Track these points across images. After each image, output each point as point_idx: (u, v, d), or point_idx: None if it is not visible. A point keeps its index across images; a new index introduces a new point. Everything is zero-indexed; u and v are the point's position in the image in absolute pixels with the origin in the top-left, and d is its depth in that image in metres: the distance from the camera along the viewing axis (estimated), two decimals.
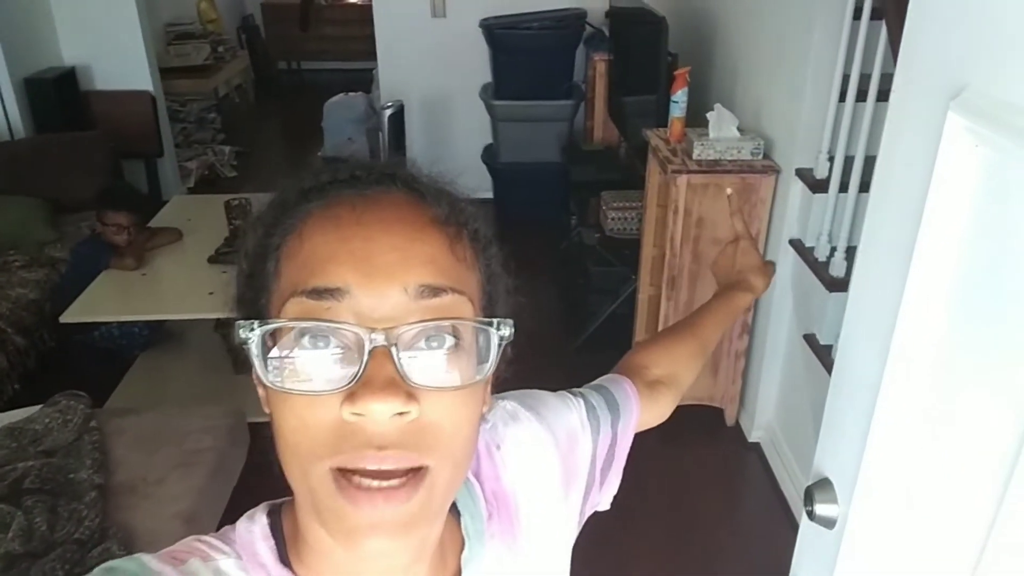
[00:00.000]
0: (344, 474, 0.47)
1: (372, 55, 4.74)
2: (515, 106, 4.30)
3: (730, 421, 2.89)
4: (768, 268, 1.09)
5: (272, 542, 0.56)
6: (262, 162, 5.89)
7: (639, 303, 3.13)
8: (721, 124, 2.56)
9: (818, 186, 2.31)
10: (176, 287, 2.91)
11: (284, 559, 0.56)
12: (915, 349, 0.79)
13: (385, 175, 0.53)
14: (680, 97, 2.70)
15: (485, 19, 4.31)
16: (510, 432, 0.68)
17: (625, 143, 4.07)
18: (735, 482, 2.75)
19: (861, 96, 2.16)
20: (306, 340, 0.48)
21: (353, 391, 0.46)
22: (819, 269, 2.28)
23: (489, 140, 4.67)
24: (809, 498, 0.97)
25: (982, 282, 0.71)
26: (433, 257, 0.50)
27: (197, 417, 2.35)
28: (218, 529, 0.58)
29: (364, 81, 5.75)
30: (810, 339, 2.34)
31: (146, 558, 0.53)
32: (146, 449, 2.19)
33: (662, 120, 2.90)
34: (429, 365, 0.48)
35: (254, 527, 0.57)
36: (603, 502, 0.80)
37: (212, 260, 2.97)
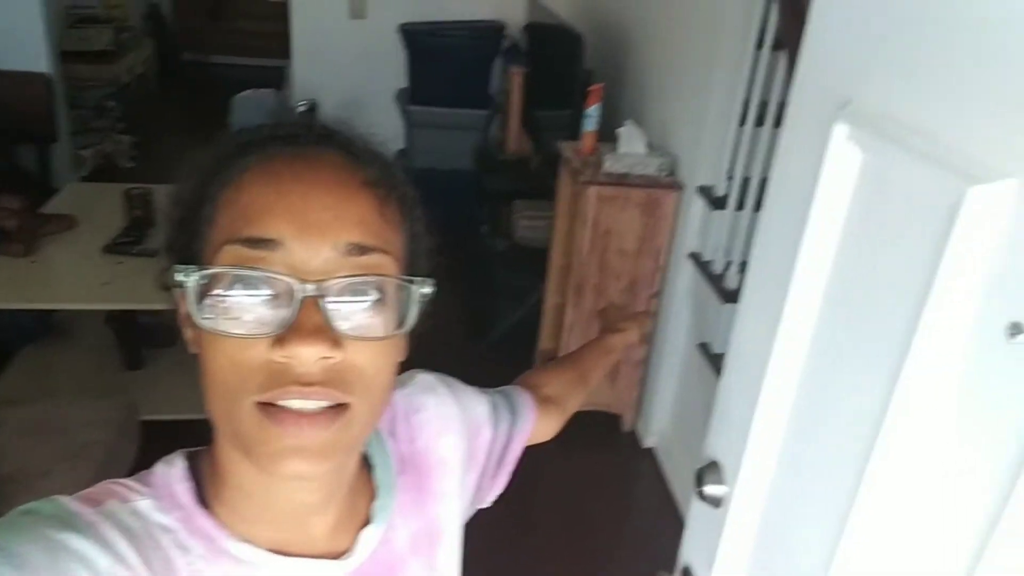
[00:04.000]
0: (270, 406, 0.50)
1: (285, 52, 4.68)
2: (431, 112, 4.33)
3: (627, 427, 2.99)
4: (642, 319, 1.27)
5: (190, 484, 0.58)
6: (162, 155, 5.67)
7: (545, 311, 3.20)
8: (631, 140, 2.66)
9: (718, 203, 2.43)
10: (68, 276, 2.78)
11: (202, 501, 0.57)
12: (794, 342, 0.87)
13: (323, 135, 0.56)
14: (593, 112, 2.79)
15: (405, 23, 4.33)
16: (428, 401, 0.73)
17: (538, 155, 4.17)
18: (629, 486, 2.84)
19: (760, 121, 2.30)
20: (240, 286, 0.51)
21: (283, 336, 0.49)
22: (715, 281, 2.40)
23: (402, 145, 4.67)
24: (699, 479, 1.04)
25: (856, 277, 0.79)
26: (363, 218, 0.53)
27: (86, 410, 2.26)
28: None
29: (275, 79, 5.65)
30: (704, 348, 2.46)
31: (63, 499, 0.54)
32: (30, 440, 2.09)
33: (575, 134, 2.99)
34: (354, 316, 0.52)
35: (171, 470, 0.58)
36: (488, 499, 0.85)
37: (108, 250, 2.86)
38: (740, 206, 2.35)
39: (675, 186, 2.61)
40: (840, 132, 0.77)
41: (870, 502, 0.73)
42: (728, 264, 2.37)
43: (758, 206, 2.27)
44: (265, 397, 0.50)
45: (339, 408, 0.52)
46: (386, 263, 0.54)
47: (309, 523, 0.59)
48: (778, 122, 2.21)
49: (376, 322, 0.53)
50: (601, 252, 2.71)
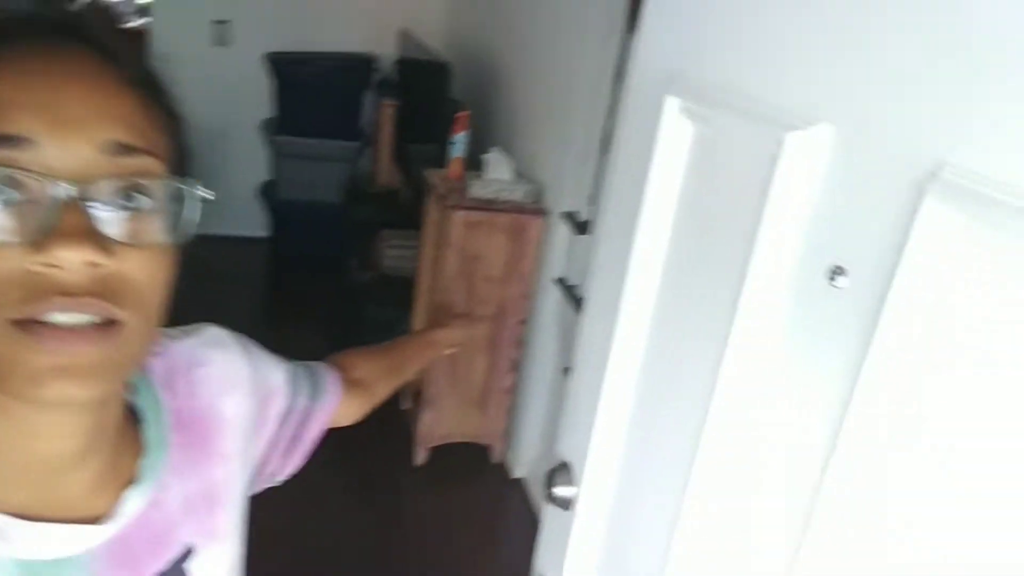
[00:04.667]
0: (29, 323, 0.44)
1: None
2: (299, 143, 4.21)
3: (496, 458, 2.94)
4: (470, 321, 1.20)
5: None
6: None
7: None
8: (497, 167, 2.67)
9: (581, 228, 2.46)
10: None
11: None
12: (633, 329, 0.86)
13: (71, 25, 0.49)
14: (460, 139, 2.79)
15: (271, 52, 4.23)
16: (215, 356, 0.66)
17: (408, 187, 4.13)
18: (498, 518, 2.78)
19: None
20: None
21: (41, 240, 0.43)
22: (581, 305, 2.41)
23: (266, 176, 4.53)
24: (549, 480, 1.00)
25: (691, 253, 0.78)
26: (126, 116, 0.48)
27: None
28: None
29: None
30: (568, 370, 2.45)
31: None
32: None
33: (441, 163, 2.99)
34: (122, 222, 0.46)
35: None
36: (280, 475, 0.78)
37: None
38: None
39: (540, 212, 2.62)
40: (672, 105, 0.77)
41: (704, 474, 0.71)
42: None
43: None
44: (22, 313, 0.43)
45: (110, 325, 0.46)
46: (154, 167, 0.48)
47: (64, 481, 0.52)
48: None
49: (148, 229, 0.47)
50: (468, 278, 2.68)
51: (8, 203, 0.44)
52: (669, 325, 0.81)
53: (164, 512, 0.57)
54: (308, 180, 4.32)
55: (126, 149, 0.46)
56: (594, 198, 2.43)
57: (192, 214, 0.50)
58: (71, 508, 0.52)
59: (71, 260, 0.43)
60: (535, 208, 2.64)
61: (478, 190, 2.62)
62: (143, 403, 0.59)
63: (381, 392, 0.93)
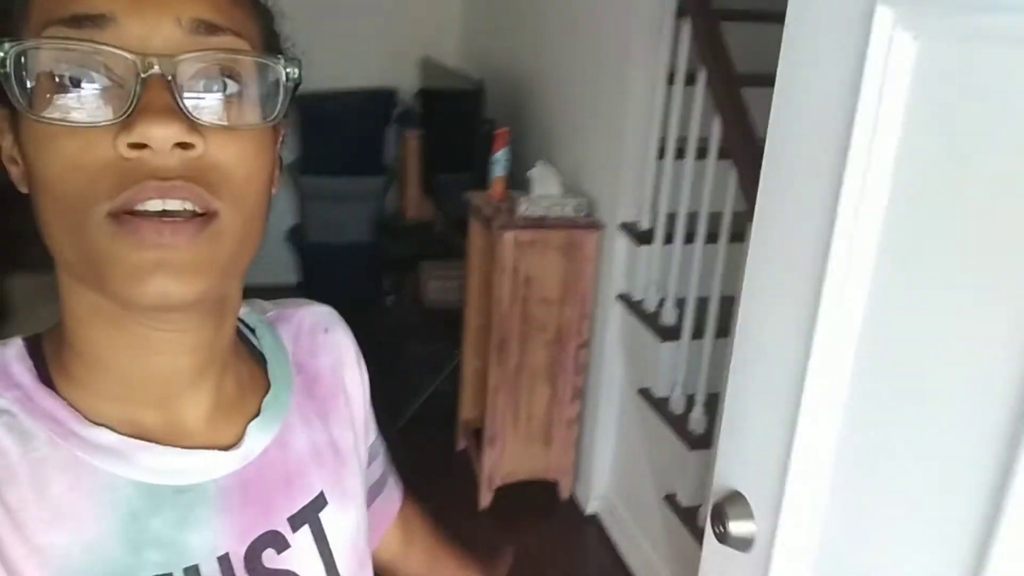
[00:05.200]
0: (125, 216, 0.42)
1: None
2: (324, 183, 4.09)
3: (565, 494, 2.73)
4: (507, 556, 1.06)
5: (30, 363, 0.49)
6: None
7: (464, 378, 2.95)
8: (544, 181, 2.51)
9: (643, 238, 2.29)
10: None
11: (47, 381, 0.49)
12: (840, 330, 0.68)
13: None
14: (501, 157, 2.64)
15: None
16: (340, 328, 0.66)
17: (441, 218, 3.99)
18: (574, 558, 2.56)
19: (681, 154, 2.21)
20: (67, 72, 0.42)
21: (128, 121, 0.41)
22: (650, 320, 2.23)
23: (294, 220, 4.40)
24: (719, 517, 0.81)
25: (921, 225, 0.60)
26: None
27: None
28: None
29: None
30: (645, 393, 2.26)
31: None
32: None
33: (481, 186, 2.84)
34: (211, 104, 0.44)
35: (6, 350, 0.50)
36: None
37: None
38: (668, 240, 2.21)
39: (595, 225, 2.46)
40: (884, 19, 0.59)
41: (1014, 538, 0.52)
42: (662, 301, 2.21)
43: (688, 239, 2.14)
44: (118, 202, 0.41)
45: (206, 217, 0.44)
46: (242, 46, 0.46)
47: (180, 404, 0.51)
48: (700, 155, 2.11)
49: (238, 111, 0.45)
50: (522, 303, 2.50)
51: (93, 84, 0.42)
52: (906, 319, 0.62)
53: (292, 454, 0.55)
54: (336, 220, 4.19)
55: (211, 28, 0.44)
56: (655, 205, 2.26)
57: (284, 96, 0.47)
58: (193, 435, 0.50)
59: (159, 137, 0.41)
60: (589, 222, 2.47)
61: (527, 208, 2.45)
62: (265, 342, 0.58)
63: (412, 563, 0.81)
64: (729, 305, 1.90)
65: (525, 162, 2.73)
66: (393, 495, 0.75)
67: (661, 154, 2.24)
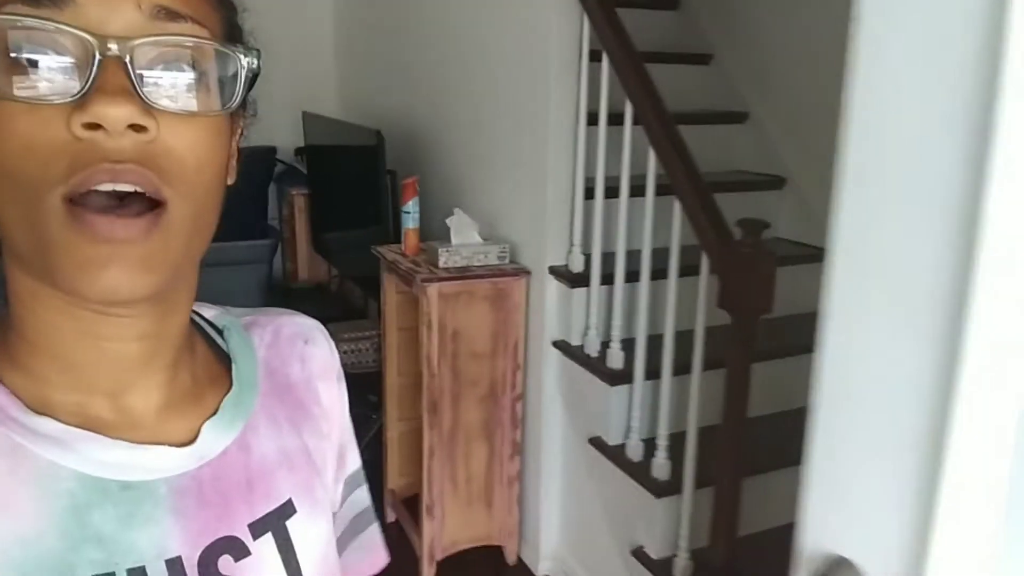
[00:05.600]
0: (77, 205, 0.41)
1: None
2: (208, 249, 3.78)
3: (511, 558, 2.57)
4: None
5: None
6: None
7: (388, 442, 2.75)
8: (462, 229, 2.39)
9: (577, 280, 2.21)
10: None
11: None
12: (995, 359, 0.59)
13: None
14: (412, 207, 2.50)
15: None
16: (322, 341, 0.63)
17: (335, 278, 3.78)
18: None
19: (610, 193, 2.16)
20: (24, 50, 0.41)
21: (83, 101, 0.40)
22: (594, 365, 2.14)
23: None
24: None
25: None
26: None
27: None
28: None
29: None
30: (596, 442, 2.16)
31: None
32: None
33: (386, 238, 2.70)
34: (167, 89, 0.43)
35: None
36: None
37: None
38: (606, 280, 2.14)
39: (522, 272, 2.35)
40: None
41: None
42: (605, 344, 2.13)
43: (629, 277, 2.08)
44: (70, 186, 0.40)
45: (157, 211, 0.43)
46: (201, 33, 0.45)
47: (129, 394, 0.48)
48: (635, 192, 2.07)
49: (195, 98, 0.44)
50: (452, 359, 2.35)
51: (49, 63, 0.41)
52: None
53: (256, 457, 0.52)
54: (221, 288, 3.84)
55: (172, 14, 0.43)
56: (587, 246, 2.19)
57: (243, 85, 0.47)
58: (143, 429, 0.48)
59: (113, 118, 0.40)
60: (515, 269, 2.36)
61: (448, 258, 2.32)
62: (233, 343, 0.56)
63: None
64: (686, 340, 1.84)
65: (431, 213, 2.60)
66: (376, 544, 0.67)
67: (588, 194, 2.19)
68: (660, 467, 1.93)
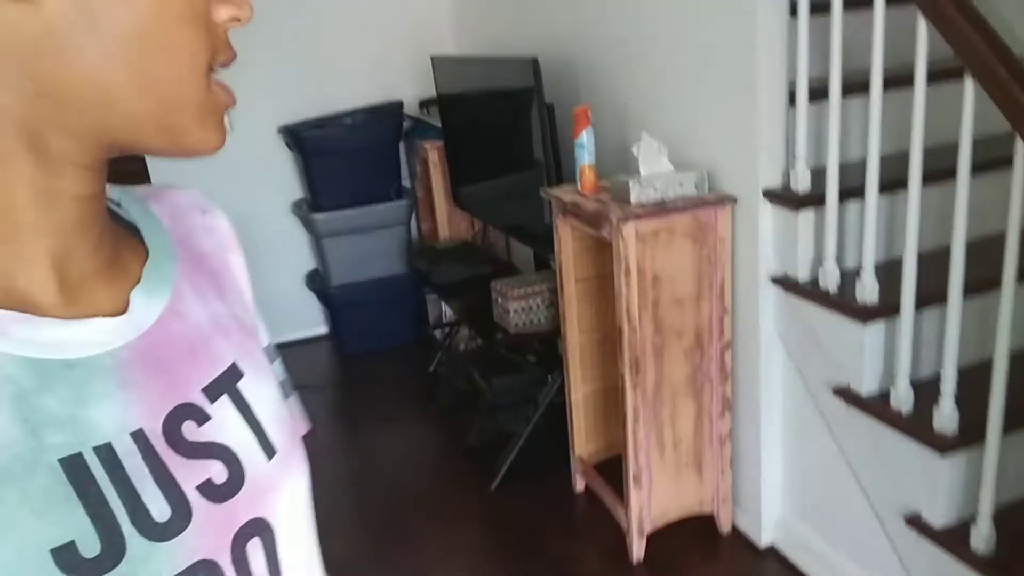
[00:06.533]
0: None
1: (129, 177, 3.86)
2: (339, 217, 3.61)
3: (725, 527, 2.28)
4: None
5: None
6: None
7: (572, 405, 2.49)
8: (651, 157, 2.07)
9: (803, 202, 1.85)
10: None
11: None
12: None
13: None
14: (586, 139, 2.19)
15: (284, 125, 3.66)
16: (219, 217, 0.59)
17: (480, 231, 3.53)
18: None
19: (815, 96, 1.81)
20: None
21: None
22: (837, 300, 1.79)
23: (313, 264, 3.92)
24: None
25: None
26: None
27: None
28: None
29: None
30: (844, 392, 1.82)
31: None
32: None
33: (544, 181, 2.41)
34: None
35: None
36: None
37: None
38: (845, 197, 1.79)
39: (726, 199, 2.02)
40: None
41: None
42: (850, 275, 1.77)
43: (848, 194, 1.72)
44: (220, 60, 0.44)
45: None
46: None
47: (65, 262, 0.43)
48: (847, 91, 1.70)
49: None
50: (652, 308, 2.05)
51: None
52: None
53: (192, 324, 0.49)
54: (360, 256, 3.71)
55: None
56: (814, 160, 1.83)
57: None
58: (74, 302, 0.44)
59: (247, 19, 0.45)
60: (718, 197, 2.03)
61: (641, 192, 2.00)
62: (134, 215, 0.52)
63: None
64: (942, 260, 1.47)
65: (599, 147, 2.27)
66: (297, 412, 0.63)
67: (793, 100, 1.82)
68: (945, 417, 1.58)
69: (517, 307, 2.59)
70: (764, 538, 2.21)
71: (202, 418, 0.47)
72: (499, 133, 2.89)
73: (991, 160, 1.73)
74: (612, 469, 2.37)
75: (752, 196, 1.96)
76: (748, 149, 1.94)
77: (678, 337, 2.09)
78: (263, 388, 0.52)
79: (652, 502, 2.20)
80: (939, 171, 1.60)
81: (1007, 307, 1.43)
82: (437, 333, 3.73)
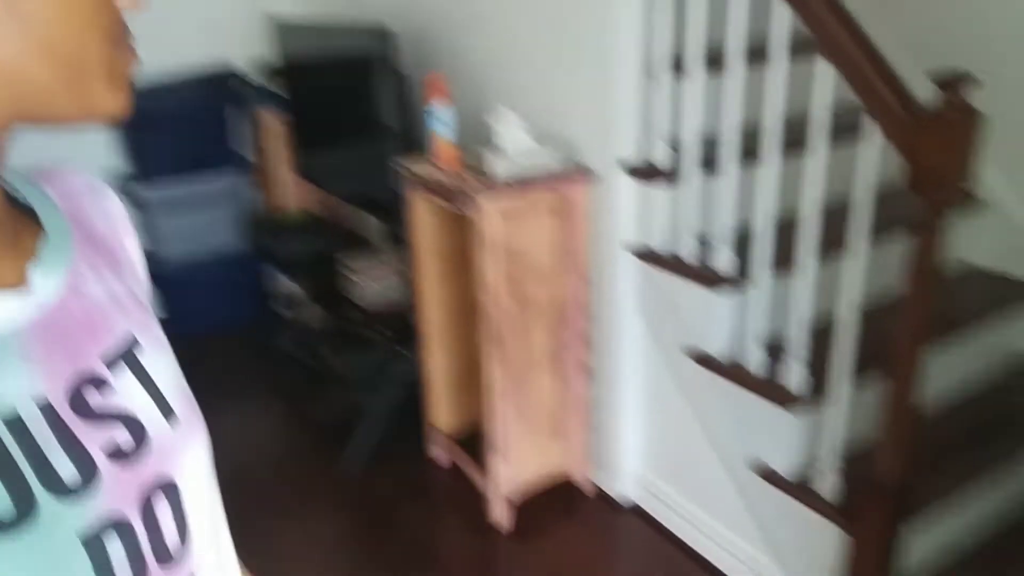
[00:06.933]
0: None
1: None
2: (166, 190, 3.34)
3: (588, 488, 2.36)
4: None
5: None
6: None
7: (431, 380, 2.47)
8: (509, 131, 2.05)
9: (661, 175, 1.91)
10: None
11: None
12: None
13: None
14: (442, 110, 2.14)
15: None
16: (110, 198, 0.59)
17: (326, 203, 3.39)
18: (626, 561, 2.21)
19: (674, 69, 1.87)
20: None
21: None
22: (695, 271, 1.87)
23: (142, 242, 3.61)
24: None
25: None
26: None
27: None
28: None
29: None
30: (698, 355, 1.91)
31: None
32: None
33: (398, 152, 2.35)
34: None
35: None
36: None
37: None
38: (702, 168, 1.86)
39: (586, 174, 2.04)
40: None
41: None
42: (705, 245, 1.86)
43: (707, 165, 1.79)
44: (116, 30, 0.45)
45: None
46: None
47: None
48: (713, 64, 1.77)
49: None
50: (514, 283, 2.06)
51: None
52: None
53: (90, 300, 0.51)
54: (193, 232, 3.46)
55: None
56: (673, 133, 1.89)
57: None
58: None
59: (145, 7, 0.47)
60: (580, 171, 2.05)
61: (503, 167, 1.99)
62: (28, 194, 0.52)
63: None
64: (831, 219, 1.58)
65: (457, 117, 2.24)
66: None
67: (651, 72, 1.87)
68: (793, 376, 1.70)
69: (369, 282, 2.51)
70: (626, 497, 2.30)
71: (104, 386, 0.49)
72: (347, 101, 2.77)
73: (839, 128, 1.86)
74: (475, 442, 2.38)
75: (611, 169, 2.00)
76: (606, 122, 1.97)
77: (539, 310, 2.12)
78: (161, 359, 0.54)
79: (516, 471, 2.23)
80: (792, 142, 1.69)
81: (854, 271, 1.55)
82: (283, 311, 3.57)
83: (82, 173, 0.59)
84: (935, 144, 1.32)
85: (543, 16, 2.10)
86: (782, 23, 1.55)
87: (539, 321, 2.12)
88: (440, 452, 2.54)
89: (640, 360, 2.16)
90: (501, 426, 2.16)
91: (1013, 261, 2.23)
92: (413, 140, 2.55)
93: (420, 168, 2.19)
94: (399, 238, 2.68)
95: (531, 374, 2.17)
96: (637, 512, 2.29)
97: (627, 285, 2.08)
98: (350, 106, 2.73)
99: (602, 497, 2.35)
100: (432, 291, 2.37)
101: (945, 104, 1.32)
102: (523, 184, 1.98)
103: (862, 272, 1.54)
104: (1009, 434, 1.95)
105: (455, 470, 2.49)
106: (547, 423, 2.25)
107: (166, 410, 0.52)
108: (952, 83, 1.27)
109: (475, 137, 2.32)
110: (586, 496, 2.36)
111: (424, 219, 2.29)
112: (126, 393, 0.50)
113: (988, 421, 2.00)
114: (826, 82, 1.48)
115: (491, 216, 1.95)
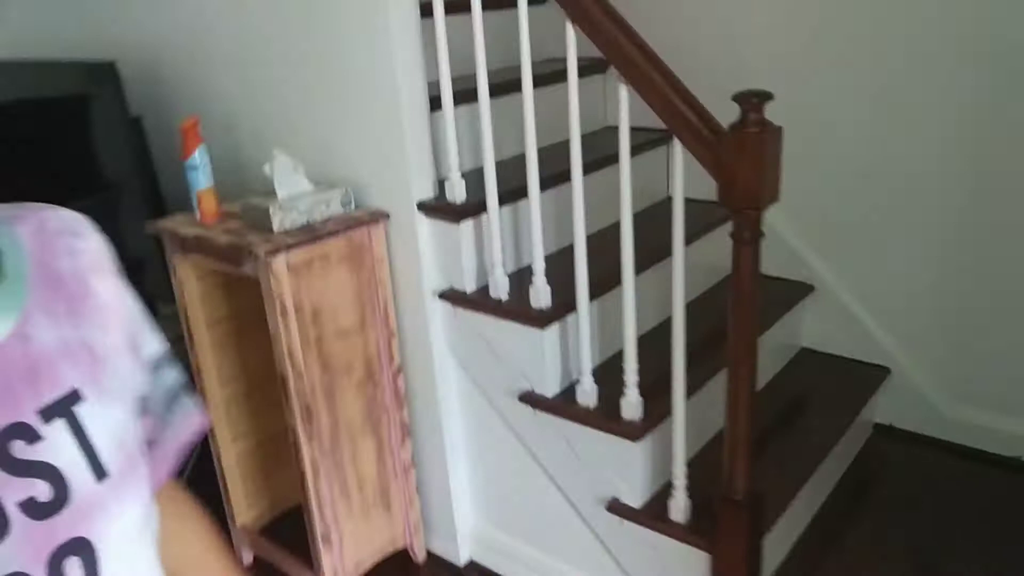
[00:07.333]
0: None
1: None
2: None
3: (420, 556, 2.16)
4: None
5: None
6: None
7: (225, 470, 2.13)
8: (288, 176, 1.81)
9: (462, 212, 1.78)
10: None
11: None
12: None
13: None
14: (200, 159, 1.85)
15: None
16: (93, 235, 0.59)
17: None
18: None
19: (459, 100, 1.77)
20: None
21: None
22: (513, 310, 1.76)
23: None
24: None
25: None
26: None
27: None
28: None
29: None
30: (529, 397, 1.80)
31: None
32: None
33: (140, 212, 2.02)
34: None
35: None
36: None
37: None
38: (501, 201, 1.75)
39: (378, 216, 1.86)
40: None
41: None
42: (517, 281, 1.75)
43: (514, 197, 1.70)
44: None
45: None
46: None
47: None
48: (495, 92, 1.69)
49: None
50: (316, 345, 1.82)
51: None
52: None
53: (37, 347, 0.51)
54: None
55: None
56: (462, 164, 1.76)
57: None
58: None
59: None
60: (370, 214, 1.86)
61: (286, 217, 1.75)
62: None
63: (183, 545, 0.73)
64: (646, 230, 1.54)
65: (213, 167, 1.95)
66: (192, 411, 0.68)
67: (435, 105, 1.75)
68: (632, 406, 1.65)
69: None
70: (463, 555, 2.14)
71: (33, 438, 0.48)
72: (63, 154, 2.33)
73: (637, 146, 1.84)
74: (284, 529, 2.10)
75: (406, 211, 1.83)
76: (395, 161, 1.81)
77: (348, 372, 1.89)
78: (105, 413, 0.53)
79: (344, 556, 1.98)
80: (593, 163, 1.64)
81: (680, 280, 1.52)
82: None
83: (64, 212, 0.59)
84: (742, 159, 1.32)
85: (309, 50, 1.89)
86: (572, 46, 1.50)
87: (348, 383, 1.90)
88: (246, 549, 2.21)
89: (461, 410, 2.01)
90: (323, 510, 1.89)
91: (791, 269, 2.39)
92: (161, 196, 2.21)
93: (184, 228, 1.87)
94: (156, 311, 2.30)
95: (348, 444, 1.93)
96: (477, 569, 2.13)
97: (438, 332, 1.92)
98: (67, 160, 2.30)
99: (437, 561, 2.16)
100: (212, 367, 2.05)
101: (748, 121, 1.32)
102: (311, 234, 1.75)
103: (682, 281, 1.52)
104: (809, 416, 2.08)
105: (266, 566, 2.17)
106: (372, 494, 2.02)
107: (97, 467, 0.51)
108: (751, 100, 1.27)
109: (245, 187, 2.05)
110: (419, 564, 2.16)
111: (192, 285, 1.97)
112: (55, 447, 0.49)
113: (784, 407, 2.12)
114: (624, 102, 1.45)
115: (280, 273, 1.70)
